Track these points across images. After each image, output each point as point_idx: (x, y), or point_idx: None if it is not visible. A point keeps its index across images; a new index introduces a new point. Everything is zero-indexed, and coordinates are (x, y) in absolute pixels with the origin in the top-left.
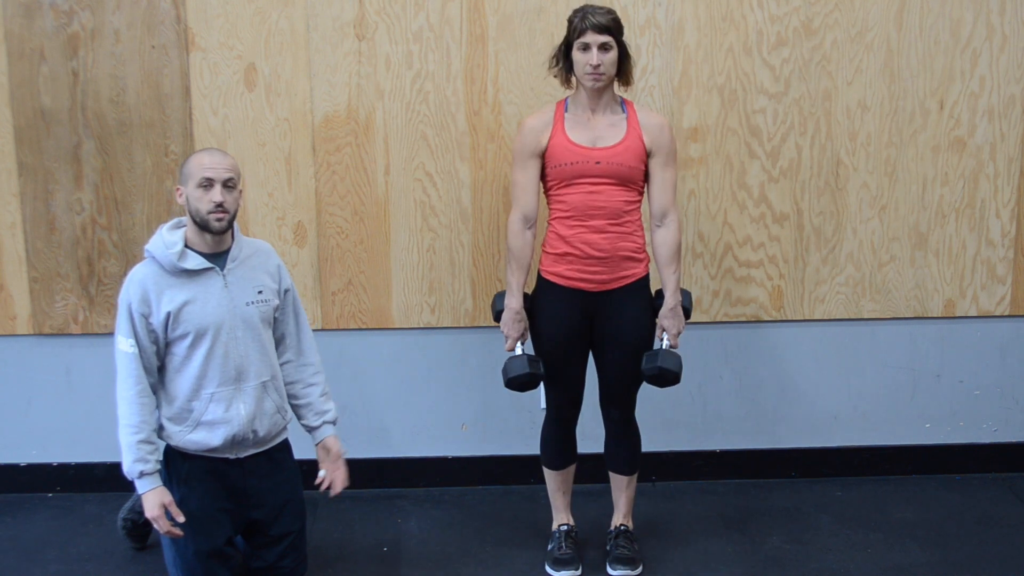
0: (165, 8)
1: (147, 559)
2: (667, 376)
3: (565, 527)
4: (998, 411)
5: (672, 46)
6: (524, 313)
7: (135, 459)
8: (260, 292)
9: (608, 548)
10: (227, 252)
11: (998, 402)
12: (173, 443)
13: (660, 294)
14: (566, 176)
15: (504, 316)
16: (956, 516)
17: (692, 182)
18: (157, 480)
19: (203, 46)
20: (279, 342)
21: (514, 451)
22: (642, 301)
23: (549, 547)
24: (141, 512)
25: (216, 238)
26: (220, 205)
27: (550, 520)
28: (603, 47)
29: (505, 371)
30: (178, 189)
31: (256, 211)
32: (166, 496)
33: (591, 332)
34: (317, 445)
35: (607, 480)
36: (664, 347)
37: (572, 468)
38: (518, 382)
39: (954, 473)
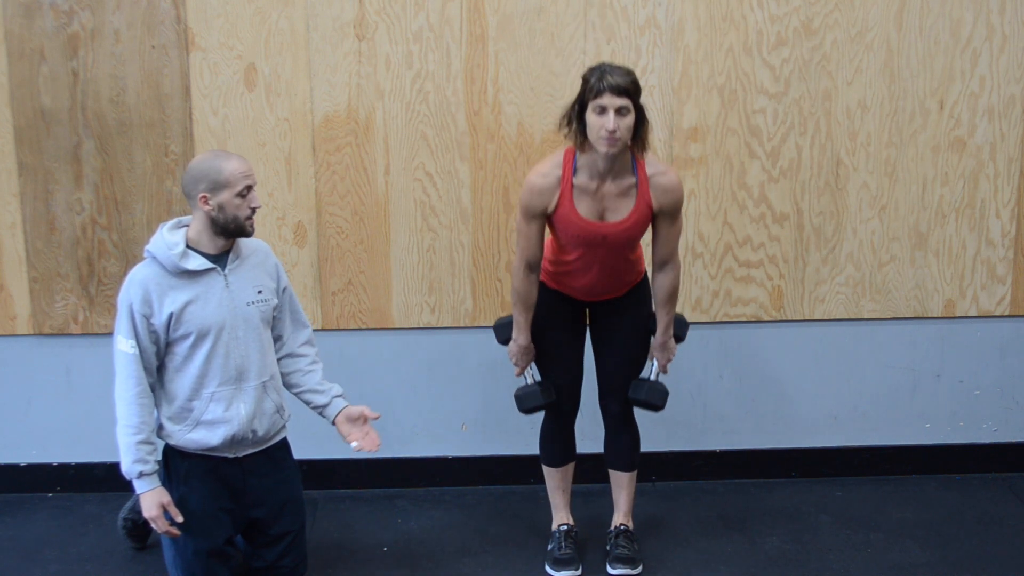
0: (165, 8)
1: (147, 559)
2: (651, 407)
3: (565, 527)
4: (998, 411)
5: (672, 46)
6: (532, 347)
7: (134, 459)
8: (260, 292)
9: (608, 548)
10: (228, 252)
11: (998, 402)
12: (172, 442)
13: (655, 319)
14: (570, 241)
15: (512, 348)
16: (956, 516)
17: (692, 182)
18: (156, 480)
19: (203, 46)
20: (277, 340)
21: (514, 451)
22: (640, 293)
23: (549, 547)
24: (141, 512)
25: (226, 240)
26: (255, 209)
27: (550, 520)
28: (620, 111)
29: (519, 400)
30: (203, 196)
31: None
32: (164, 496)
33: (589, 322)
34: (336, 420)
35: (607, 480)
36: (653, 375)
37: (571, 466)
38: (534, 411)
39: (954, 473)
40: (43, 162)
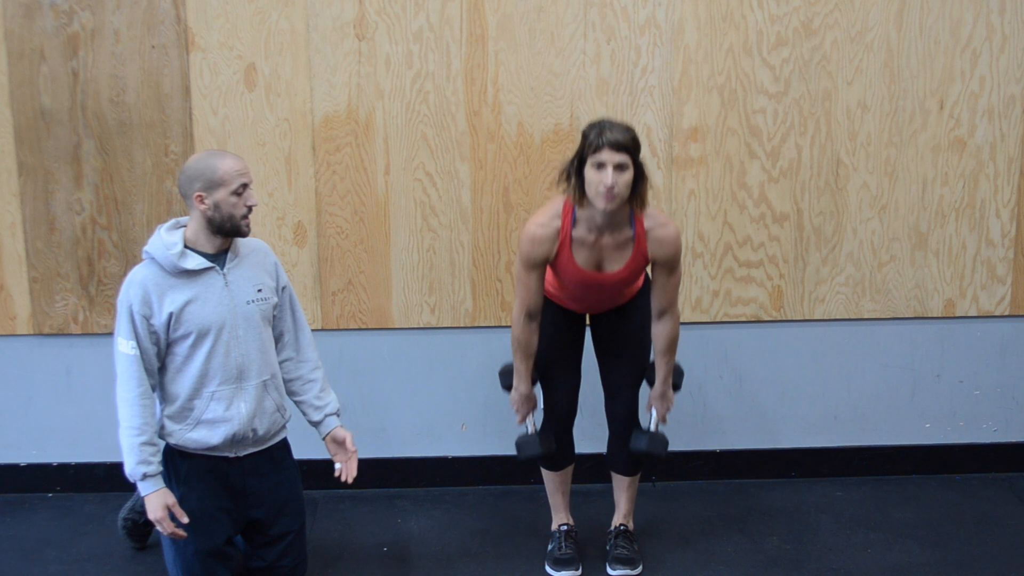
0: (165, 8)
1: (147, 559)
2: (653, 458)
3: (565, 527)
4: (998, 411)
5: (672, 46)
6: (534, 395)
7: (138, 461)
8: (260, 290)
9: (608, 548)
10: (226, 251)
11: (998, 402)
12: (172, 441)
13: (652, 367)
14: (568, 284)
15: (514, 396)
16: (956, 516)
17: (692, 182)
18: (160, 482)
19: (203, 46)
20: (277, 340)
21: (514, 451)
22: (641, 298)
23: (549, 547)
24: (141, 512)
25: (224, 239)
26: (252, 208)
27: (550, 520)
28: (619, 167)
29: (518, 448)
30: (199, 195)
31: (256, 211)
32: (169, 498)
33: (591, 326)
34: (325, 438)
35: (607, 480)
36: (652, 425)
37: (570, 469)
38: (532, 460)
39: (954, 473)
40: (43, 162)
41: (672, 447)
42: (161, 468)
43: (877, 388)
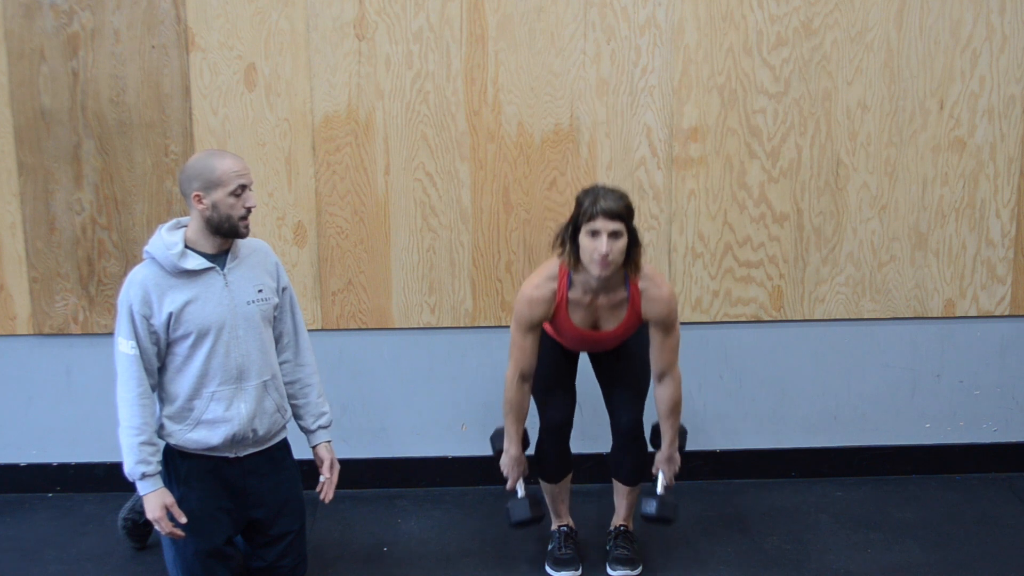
0: (165, 8)
1: (147, 559)
2: (664, 522)
3: (565, 528)
4: (998, 411)
5: (672, 46)
6: (524, 459)
7: (137, 460)
8: (260, 291)
9: (608, 548)
10: (227, 252)
11: (998, 402)
12: (172, 442)
13: (657, 433)
14: (565, 339)
15: (505, 460)
16: (956, 516)
17: (692, 182)
18: (159, 481)
19: (203, 46)
20: (277, 341)
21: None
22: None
23: (549, 547)
24: (141, 512)
25: (223, 239)
26: (250, 210)
27: (550, 520)
28: (613, 234)
29: (508, 513)
30: (197, 195)
31: (256, 211)
32: (168, 497)
33: (590, 354)
34: (312, 448)
35: (607, 480)
36: (661, 488)
37: (568, 477)
38: (522, 526)
39: (954, 473)
40: (43, 162)
41: None
42: (160, 468)
43: (877, 388)
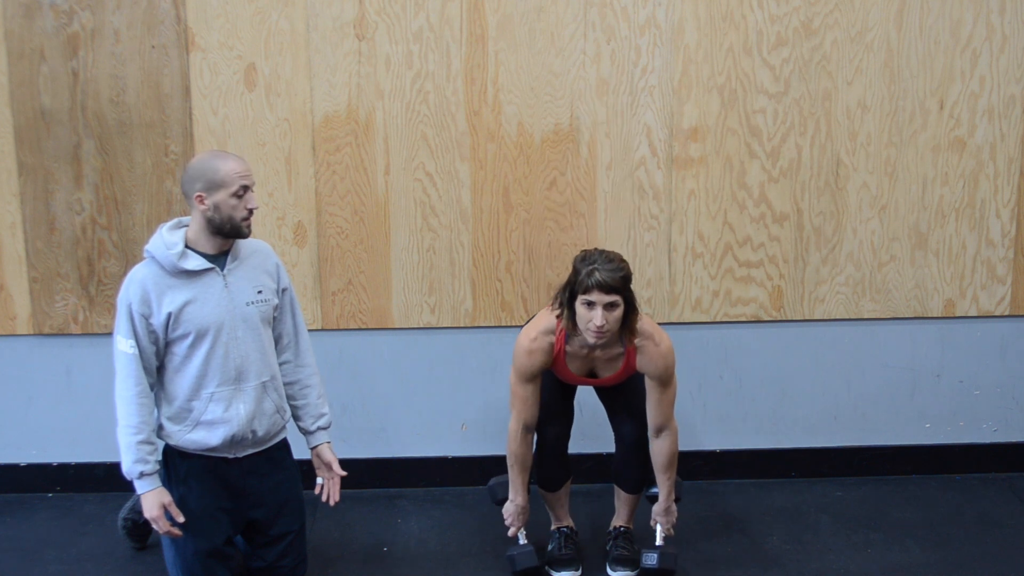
0: (165, 8)
1: (147, 559)
2: (666, 573)
3: (565, 528)
4: (998, 411)
5: (672, 46)
6: (528, 507)
7: (135, 460)
8: (260, 292)
9: (608, 548)
10: (227, 252)
11: (998, 402)
12: (172, 442)
13: (653, 484)
14: (565, 381)
15: (509, 508)
16: (956, 516)
17: (692, 182)
18: (157, 481)
19: (203, 46)
20: (277, 341)
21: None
22: None
23: (549, 547)
24: (141, 512)
25: (224, 240)
26: (252, 211)
27: (550, 520)
28: (609, 306)
29: (512, 561)
30: (199, 196)
31: (256, 211)
32: (165, 496)
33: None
34: (312, 450)
35: (607, 480)
36: (659, 539)
37: (568, 484)
38: (527, 572)
39: (954, 473)
40: (43, 162)
41: None
42: (158, 467)
43: (877, 388)
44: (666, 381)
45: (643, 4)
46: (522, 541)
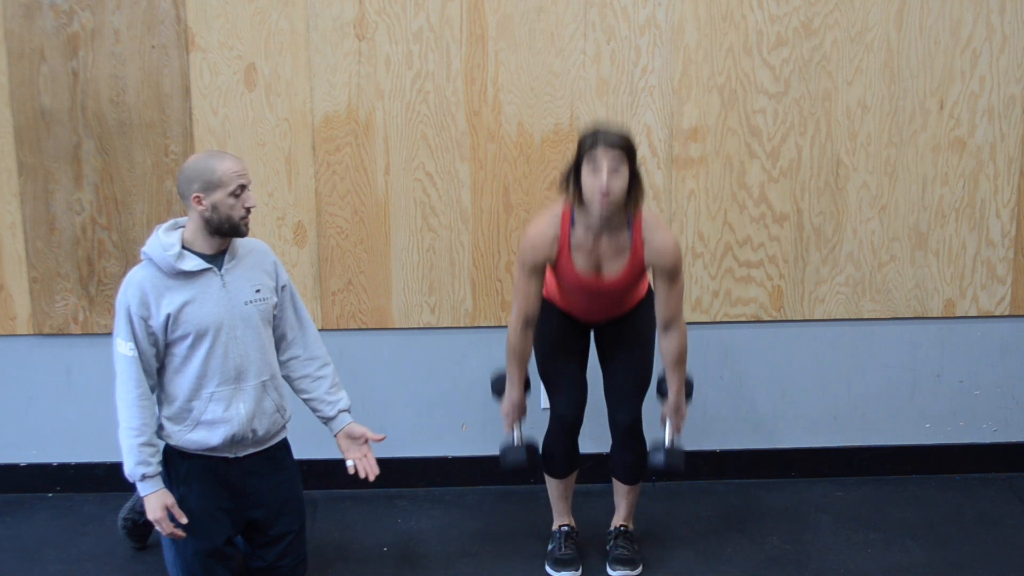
0: (165, 8)
1: (147, 559)
2: (672, 474)
3: (566, 528)
4: (998, 411)
5: (672, 46)
6: (524, 403)
7: (137, 462)
8: (258, 291)
9: (608, 548)
10: (224, 252)
11: (998, 402)
12: (172, 442)
13: (663, 381)
14: (568, 288)
15: (505, 404)
16: (956, 516)
17: (692, 182)
18: (159, 482)
19: (203, 46)
20: (282, 339)
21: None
22: (644, 306)
23: (549, 547)
24: (141, 512)
25: (222, 239)
26: (250, 209)
27: (550, 520)
28: (614, 169)
29: (503, 455)
30: (197, 196)
31: (256, 211)
32: (168, 498)
33: (595, 339)
34: (338, 435)
35: (607, 480)
36: (668, 439)
37: (574, 475)
38: (516, 470)
39: (954, 473)
40: (43, 162)
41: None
42: (160, 468)
43: (877, 388)
44: (673, 275)
45: (643, 4)
46: (515, 438)
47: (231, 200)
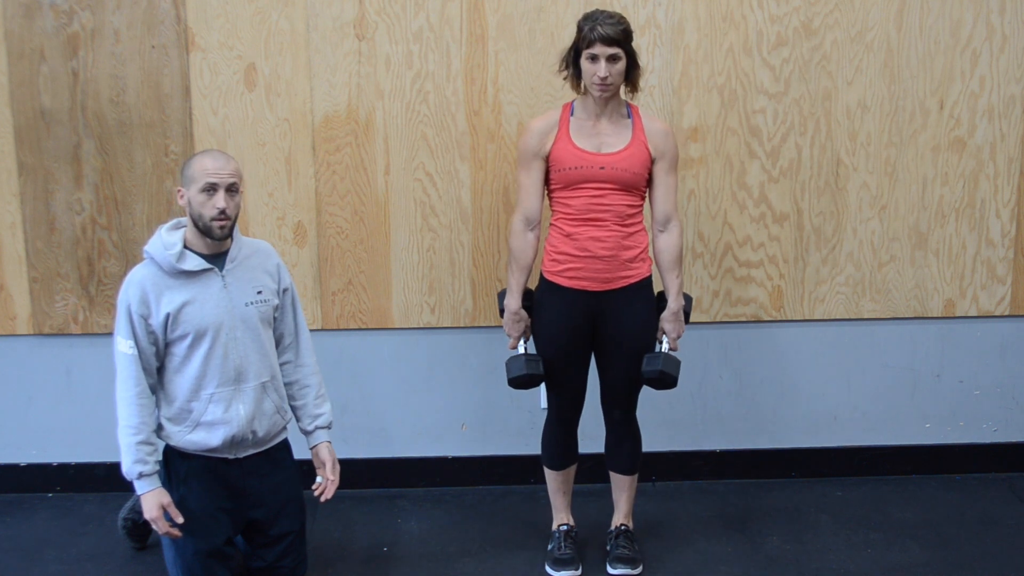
0: (165, 8)
1: (147, 559)
2: (667, 380)
3: (565, 527)
4: (998, 411)
5: (672, 46)
6: (524, 312)
7: (134, 460)
8: (259, 292)
9: (608, 548)
10: (226, 253)
11: (998, 402)
12: (172, 443)
13: (662, 296)
14: (570, 180)
15: (504, 317)
16: (956, 516)
17: (692, 182)
18: (156, 481)
19: (203, 46)
20: (278, 342)
21: (514, 451)
22: (644, 302)
23: (549, 547)
24: (141, 512)
25: (211, 240)
26: (223, 212)
27: (550, 520)
28: (612, 58)
29: (508, 367)
30: (179, 190)
31: (256, 211)
32: (165, 497)
33: (594, 333)
34: (311, 449)
35: (607, 480)
36: (664, 350)
37: (573, 468)
38: (518, 382)
39: (954, 473)
40: (43, 162)
41: (672, 447)
42: (158, 467)
43: (877, 388)
44: (672, 162)
45: (643, 4)
46: (521, 351)
47: (201, 197)
